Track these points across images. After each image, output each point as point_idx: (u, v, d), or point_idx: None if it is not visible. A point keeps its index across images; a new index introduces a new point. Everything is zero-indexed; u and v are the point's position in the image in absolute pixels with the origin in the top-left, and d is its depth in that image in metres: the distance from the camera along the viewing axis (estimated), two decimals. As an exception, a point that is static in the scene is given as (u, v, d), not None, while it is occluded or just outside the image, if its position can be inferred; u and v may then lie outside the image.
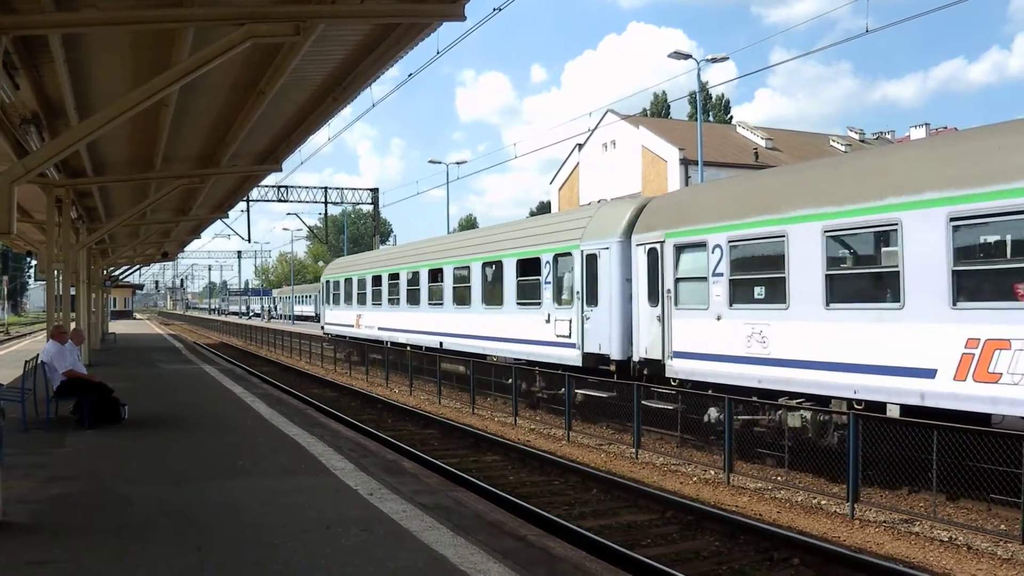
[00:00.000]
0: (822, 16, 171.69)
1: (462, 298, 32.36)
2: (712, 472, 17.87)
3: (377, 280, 42.21)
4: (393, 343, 39.57)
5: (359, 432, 20.63)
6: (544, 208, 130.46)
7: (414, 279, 37.62)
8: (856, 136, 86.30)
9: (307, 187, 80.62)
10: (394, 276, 40.13)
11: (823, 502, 15.51)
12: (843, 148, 74.85)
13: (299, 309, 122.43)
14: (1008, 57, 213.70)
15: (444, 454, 20.22)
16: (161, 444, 16.36)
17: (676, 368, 20.13)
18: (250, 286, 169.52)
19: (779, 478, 16.92)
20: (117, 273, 76.37)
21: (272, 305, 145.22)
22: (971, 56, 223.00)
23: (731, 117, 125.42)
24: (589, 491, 16.64)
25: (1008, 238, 13.85)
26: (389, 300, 40.66)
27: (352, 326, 45.76)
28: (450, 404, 30.24)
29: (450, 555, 8.85)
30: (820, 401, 16.57)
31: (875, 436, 14.86)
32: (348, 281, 47.08)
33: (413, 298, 37.53)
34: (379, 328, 41.63)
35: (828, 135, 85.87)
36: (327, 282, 51.70)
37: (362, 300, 44.43)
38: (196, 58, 13.15)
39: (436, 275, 35.05)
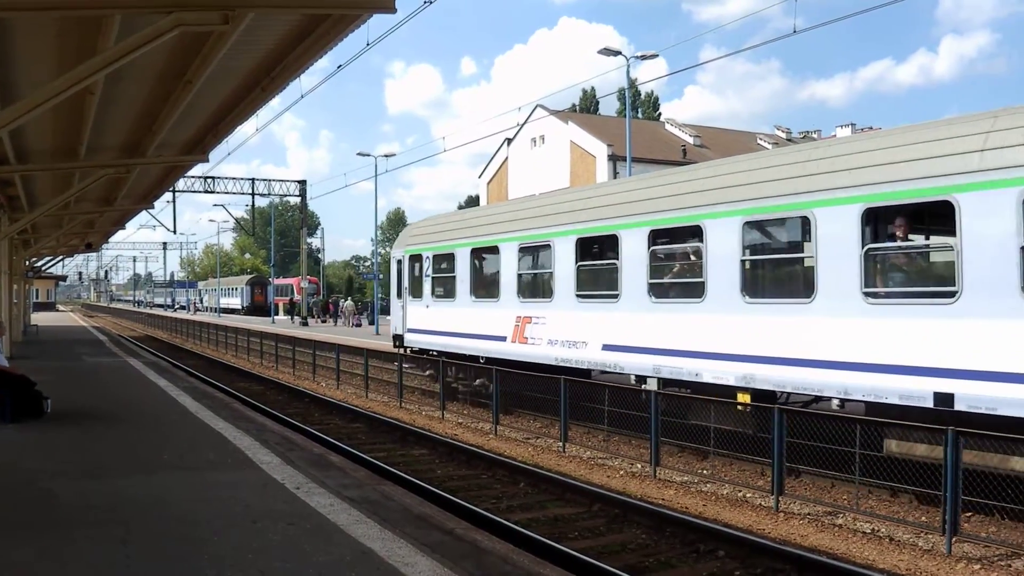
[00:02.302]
0: (753, 15, 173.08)
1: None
2: (639, 466, 18.02)
3: (581, 247, 21.44)
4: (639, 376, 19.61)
5: (286, 426, 20.52)
6: (472, 202, 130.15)
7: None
8: (783, 135, 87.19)
9: (234, 178, 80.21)
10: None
11: (749, 495, 15.70)
12: (770, 146, 75.66)
13: (225, 302, 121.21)
14: (935, 60, 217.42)
15: (371, 448, 20.17)
16: (85, 438, 16.12)
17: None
18: (176, 278, 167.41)
19: (705, 471, 17.09)
20: (40, 264, 75.05)
21: (198, 298, 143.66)
22: (899, 57, 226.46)
23: (660, 114, 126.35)
24: (517, 484, 16.71)
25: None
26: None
27: (477, 335, 25.70)
28: (377, 398, 30.17)
29: (378, 548, 8.84)
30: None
31: (800, 430, 15.10)
32: (462, 257, 26.79)
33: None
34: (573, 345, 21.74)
35: (756, 133, 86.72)
36: (408, 259, 30.26)
37: (530, 289, 23.94)
38: (123, 46, 12.95)
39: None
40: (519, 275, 23.84)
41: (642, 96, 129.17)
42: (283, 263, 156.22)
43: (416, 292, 29.76)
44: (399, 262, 31.25)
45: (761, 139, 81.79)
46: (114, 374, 29.88)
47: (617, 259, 19.97)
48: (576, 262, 21.28)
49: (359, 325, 75.34)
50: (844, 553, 12.52)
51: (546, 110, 68.05)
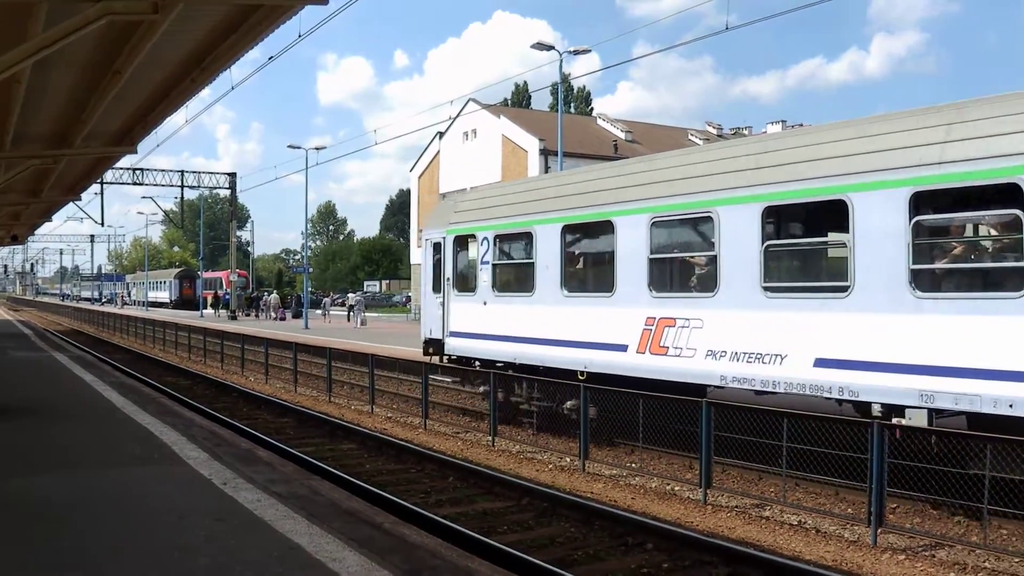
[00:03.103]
0: (686, 11, 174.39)
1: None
2: (568, 459, 18.12)
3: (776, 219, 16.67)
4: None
5: (213, 421, 20.33)
6: (404, 196, 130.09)
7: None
8: (714, 131, 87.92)
9: (163, 170, 79.49)
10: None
11: (677, 488, 15.88)
12: (700, 142, 76.32)
13: (153, 295, 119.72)
14: (865, 58, 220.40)
15: (300, 443, 20.06)
16: (7, 434, 15.83)
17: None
18: (103, 271, 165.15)
19: (633, 465, 17.22)
20: (-38, 256, 73.72)
21: (126, 291, 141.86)
22: (830, 56, 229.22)
23: (592, 109, 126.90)
24: (446, 479, 16.71)
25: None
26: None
27: (573, 343, 19.69)
28: (306, 392, 29.99)
29: (305, 544, 8.80)
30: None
31: (727, 423, 15.49)
32: (547, 238, 20.51)
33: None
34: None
35: (687, 129, 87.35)
36: (452, 242, 23.85)
37: (671, 280, 18.62)
38: (50, 34, 12.78)
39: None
40: (652, 260, 17.71)
41: (575, 91, 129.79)
42: (212, 256, 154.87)
43: (465, 285, 23.45)
44: (436, 245, 24.38)
45: (692, 135, 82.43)
46: (39, 369, 29.43)
47: (849, 235, 14.15)
48: (764, 241, 15.41)
49: (283, 319, 74.76)
50: (771, 545, 12.70)
51: (478, 104, 68.07)
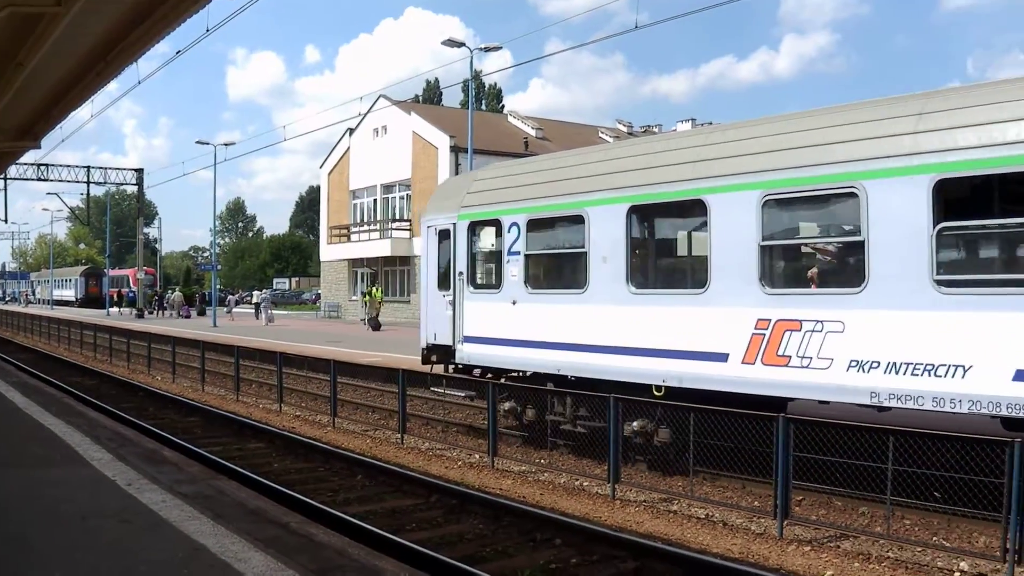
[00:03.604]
0: (598, 8, 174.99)
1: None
2: (477, 456, 18.18)
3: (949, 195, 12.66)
4: None
5: (119, 421, 20.10)
6: (314, 193, 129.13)
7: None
8: (624, 129, 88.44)
9: (69, 166, 77.81)
10: None
11: (586, 484, 16.01)
12: (611, 139, 76.92)
13: (58, 294, 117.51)
14: (776, 58, 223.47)
15: (207, 442, 19.82)
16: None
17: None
18: (7, 269, 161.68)
19: (543, 461, 17.32)
20: None
21: (30, 289, 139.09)
22: (741, 55, 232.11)
23: (503, 106, 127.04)
24: (355, 477, 16.67)
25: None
26: None
27: (645, 350, 16.18)
28: (214, 391, 29.68)
29: (210, 545, 8.74)
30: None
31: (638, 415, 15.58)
32: (604, 222, 16.93)
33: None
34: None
35: (598, 127, 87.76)
36: (467, 229, 20.30)
37: (794, 274, 15.41)
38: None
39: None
40: (765, 248, 14.35)
41: (486, 88, 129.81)
42: (120, 254, 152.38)
43: (485, 280, 20.35)
44: (443, 233, 20.74)
45: (603, 133, 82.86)
46: (-63, 368, 28.83)
47: None
48: (936, 224, 12.19)
49: (188, 316, 73.91)
50: (679, 538, 12.84)
51: (389, 100, 67.69)
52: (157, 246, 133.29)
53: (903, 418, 12.92)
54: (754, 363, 14.19)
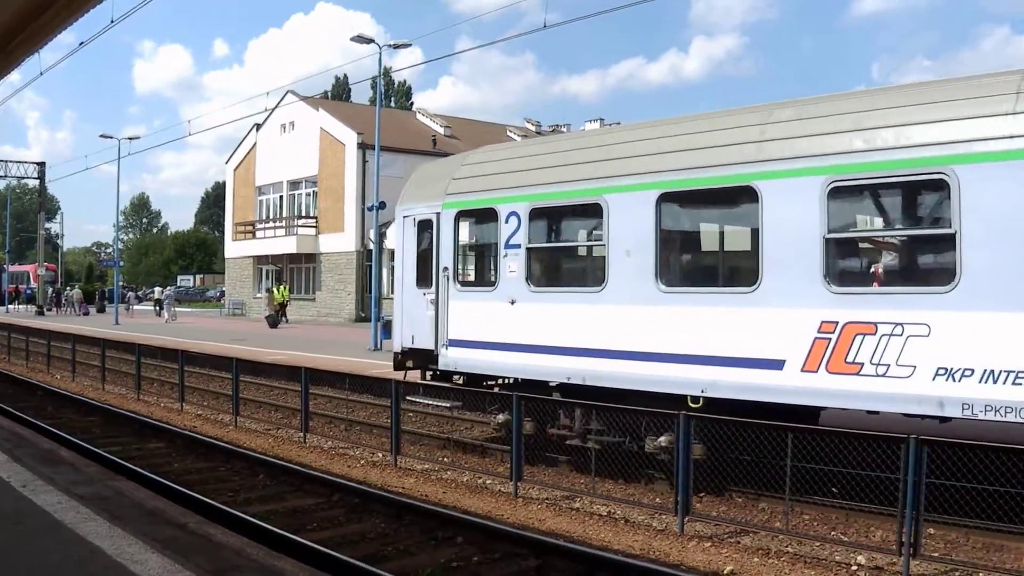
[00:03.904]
0: (508, 7, 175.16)
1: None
2: (380, 455, 18.21)
3: None
4: None
5: (14, 421, 19.74)
6: (219, 189, 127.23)
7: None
8: (532, 128, 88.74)
9: (-33, 159, 76.10)
10: None
11: (489, 482, 16.10)
12: (519, 139, 77.24)
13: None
14: (685, 59, 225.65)
15: (106, 442, 19.50)
16: None
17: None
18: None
19: (446, 459, 17.41)
20: None
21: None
22: (650, 56, 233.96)
23: (412, 103, 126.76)
24: (256, 476, 16.57)
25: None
26: None
27: (678, 357, 14.42)
28: (115, 390, 29.25)
29: (106, 547, 8.69)
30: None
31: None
32: (628, 210, 15.19)
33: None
34: None
35: (506, 126, 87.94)
36: (454, 219, 18.33)
37: (859, 270, 14.23)
38: None
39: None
40: (831, 241, 12.69)
41: (395, 85, 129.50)
42: (20, 249, 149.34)
43: (478, 277, 19.10)
44: (424, 224, 18.75)
45: (511, 131, 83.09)
46: None
47: None
48: None
49: (87, 314, 72.74)
50: (581, 536, 12.97)
51: (296, 96, 67.20)
52: (59, 241, 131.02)
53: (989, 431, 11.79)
54: (816, 371, 12.60)
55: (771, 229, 13.11)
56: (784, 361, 12.85)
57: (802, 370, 12.67)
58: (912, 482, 10.84)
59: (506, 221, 16.91)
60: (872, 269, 13.64)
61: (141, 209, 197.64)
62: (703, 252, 16.90)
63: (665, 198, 14.53)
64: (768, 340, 13.06)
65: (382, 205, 40.00)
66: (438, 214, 18.20)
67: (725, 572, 11.32)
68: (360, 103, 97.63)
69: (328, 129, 65.47)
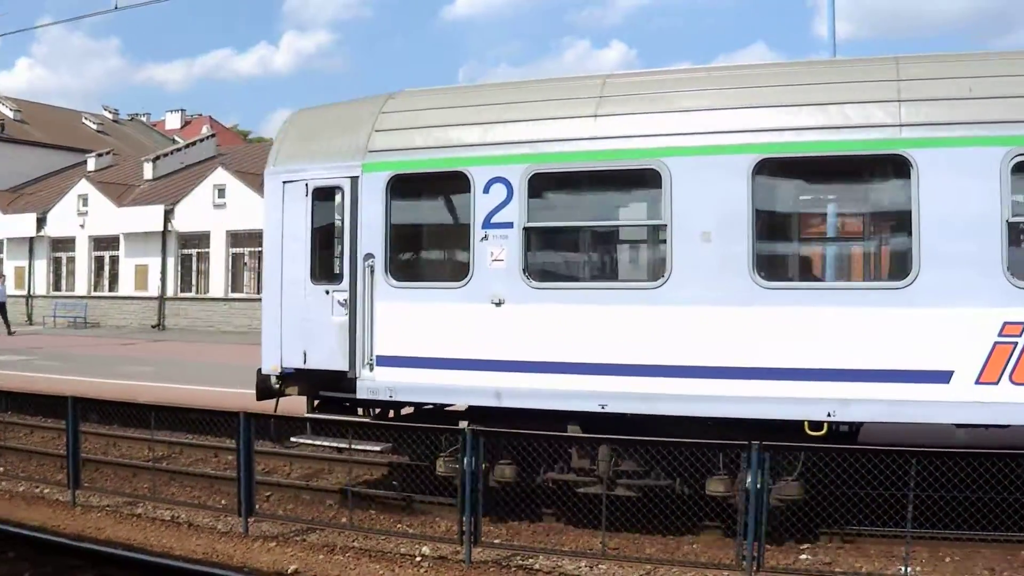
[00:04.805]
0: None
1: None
2: None
3: None
4: None
5: None
6: None
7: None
8: (110, 116, 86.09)
9: None
10: None
11: (47, 491, 15.20)
12: (95, 127, 77.47)
13: None
14: (275, 53, 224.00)
15: None
16: None
17: None
18: None
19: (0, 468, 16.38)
20: None
21: None
22: (240, 48, 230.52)
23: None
24: None
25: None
26: None
27: (787, 371, 10.80)
28: None
29: None
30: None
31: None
32: (715, 179, 11.16)
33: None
34: None
35: (81, 112, 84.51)
36: (388, 187, 12.65)
37: None
38: None
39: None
40: (1013, 227, 10.25)
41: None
42: None
43: (431, 269, 14.42)
44: (322, 193, 13.32)
45: (87, 119, 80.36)
46: None
47: None
48: None
49: None
50: (142, 543, 12.46)
51: None
52: None
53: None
54: (997, 382, 10.10)
55: (929, 211, 10.27)
56: (952, 372, 10.22)
57: (977, 381, 10.15)
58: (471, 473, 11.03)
59: (485, 191, 12.09)
60: None
61: None
62: (821, 236, 13.39)
63: (764, 164, 11.00)
64: (927, 346, 10.33)
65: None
66: (355, 178, 12.87)
67: (289, 571, 11.28)
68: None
69: None
